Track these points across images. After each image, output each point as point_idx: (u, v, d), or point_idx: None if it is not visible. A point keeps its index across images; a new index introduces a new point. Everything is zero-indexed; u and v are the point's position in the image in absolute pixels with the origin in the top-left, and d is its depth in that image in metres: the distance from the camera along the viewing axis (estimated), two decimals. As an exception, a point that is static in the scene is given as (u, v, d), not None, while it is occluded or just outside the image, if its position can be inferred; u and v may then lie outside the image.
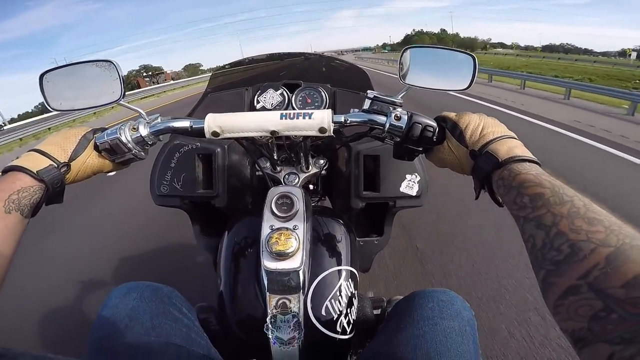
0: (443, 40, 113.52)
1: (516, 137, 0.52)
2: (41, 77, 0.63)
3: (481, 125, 0.53)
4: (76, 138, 0.57)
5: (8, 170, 0.50)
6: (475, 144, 0.51)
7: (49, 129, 11.78)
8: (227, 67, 1.26)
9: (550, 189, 0.38)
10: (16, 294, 1.96)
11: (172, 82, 32.46)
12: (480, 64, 0.63)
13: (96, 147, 0.58)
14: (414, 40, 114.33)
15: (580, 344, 0.28)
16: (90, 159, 0.57)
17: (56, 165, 0.52)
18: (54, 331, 1.78)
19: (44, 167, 0.51)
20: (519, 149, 0.48)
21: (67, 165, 0.54)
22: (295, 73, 1.22)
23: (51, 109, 0.64)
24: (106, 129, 0.60)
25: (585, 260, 0.30)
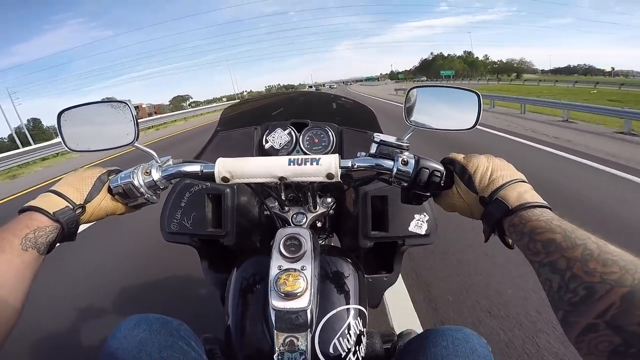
0: (474, 64, 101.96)
1: (525, 179, 0.52)
2: (59, 115, 0.65)
3: (490, 169, 0.53)
4: (91, 180, 0.58)
5: (25, 209, 0.51)
6: (485, 190, 0.51)
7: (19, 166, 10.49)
8: (228, 101, 1.30)
9: (561, 234, 0.39)
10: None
11: (148, 118, 23.96)
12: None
13: (110, 190, 0.59)
14: (437, 64, 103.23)
15: None
16: (104, 202, 0.59)
17: (72, 207, 0.54)
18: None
19: (60, 208, 0.52)
20: (529, 194, 0.48)
21: (82, 207, 0.55)
22: (302, 107, 1.24)
23: (68, 149, 0.66)
24: (120, 170, 0.61)
25: (601, 300, 0.31)
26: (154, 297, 2.22)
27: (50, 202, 0.53)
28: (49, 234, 0.50)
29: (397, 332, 0.78)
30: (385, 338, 0.73)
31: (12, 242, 0.46)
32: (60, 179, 0.58)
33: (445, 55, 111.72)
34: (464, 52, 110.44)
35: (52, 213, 0.51)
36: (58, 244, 0.54)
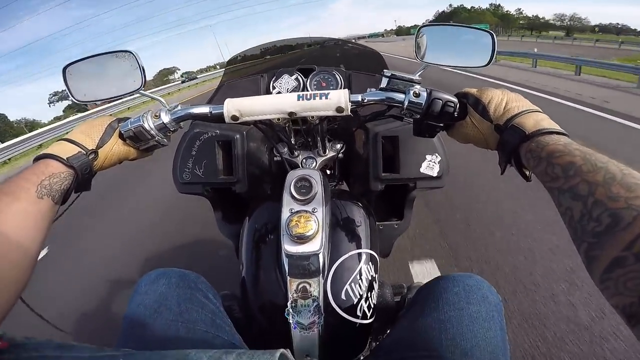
0: (507, 18, 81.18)
1: (541, 111, 0.50)
2: (64, 70, 0.65)
3: (505, 100, 0.51)
4: (102, 127, 0.59)
5: (40, 158, 0.52)
6: (500, 118, 0.50)
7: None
8: (238, 58, 1.26)
9: (581, 157, 0.37)
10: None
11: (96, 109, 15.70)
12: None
13: (121, 136, 0.60)
14: (460, 17, 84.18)
15: (633, 320, 0.26)
16: (116, 147, 0.59)
17: (85, 153, 0.54)
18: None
19: (73, 154, 0.53)
20: (546, 122, 0.46)
21: (95, 152, 0.56)
22: (310, 60, 1.21)
23: (76, 101, 0.66)
24: (129, 118, 0.61)
25: (628, 229, 0.28)
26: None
27: (63, 149, 0.53)
28: (64, 181, 0.51)
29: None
30: (395, 290, 0.74)
31: (28, 189, 0.46)
32: (72, 129, 0.59)
33: (469, 8, 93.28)
34: (491, 5, 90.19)
35: (65, 159, 0.52)
36: (74, 194, 0.55)
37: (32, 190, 0.46)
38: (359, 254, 0.60)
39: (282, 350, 0.34)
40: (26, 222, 0.44)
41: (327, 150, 0.78)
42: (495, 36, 0.63)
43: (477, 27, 0.66)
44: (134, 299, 0.57)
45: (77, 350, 0.28)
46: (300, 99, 0.56)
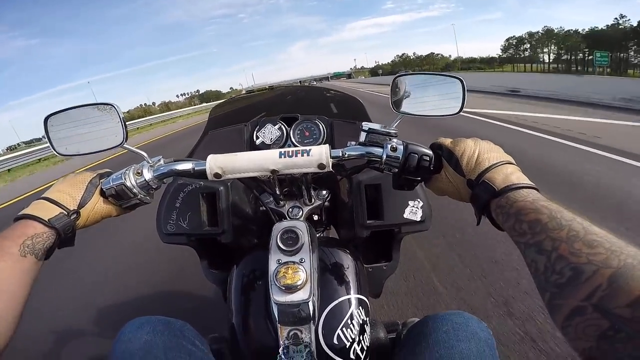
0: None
1: (512, 161, 0.52)
2: (46, 120, 0.64)
3: (476, 152, 0.53)
4: (83, 184, 0.58)
5: (20, 218, 0.51)
6: (472, 173, 0.52)
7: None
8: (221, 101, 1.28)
9: (547, 215, 0.39)
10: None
11: None
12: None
13: (102, 193, 0.59)
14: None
15: None
16: (98, 205, 0.59)
17: (66, 213, 0.54)
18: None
19: (54, 215, 0.52)
20: (515, 176, 0.48)
21: (77, 212, 0.55)
22: (292, 104, 1.25)
23: (57, 154, 0.65)
24: (111, 172, 0.61)
25: (587, 282, 0.30)
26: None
27: (45, 210, 0.52)
28: (46, 240, 0.50)
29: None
30: (389, 327, 0.74)
31: (10, 248, 0.47)
32: (51, 186, 0.58)
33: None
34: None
35: (47, 220, 0.51)
36: (57, 250, 0.54)
37: (15, 249, 0.47)
38: (349, 300, 0.61)
39: None
40: (9, 279, 0.45)
41: (313, 199, 0.79)
42: (464, 82, 0.66)
43: (447, 74, 0.70)
44: (117, 346, 0.55)
45: None
46: (282, 156, 0.57)
